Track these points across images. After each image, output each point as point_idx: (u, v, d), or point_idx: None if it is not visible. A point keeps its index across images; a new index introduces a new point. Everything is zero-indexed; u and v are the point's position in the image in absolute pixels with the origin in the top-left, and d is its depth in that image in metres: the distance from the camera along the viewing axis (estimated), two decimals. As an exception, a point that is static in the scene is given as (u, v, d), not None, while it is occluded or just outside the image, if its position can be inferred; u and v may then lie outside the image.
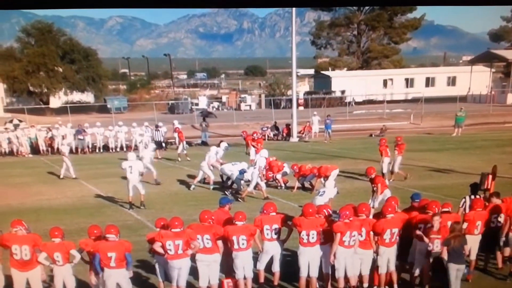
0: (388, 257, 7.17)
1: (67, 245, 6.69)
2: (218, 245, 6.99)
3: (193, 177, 15.15)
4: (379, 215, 7.43)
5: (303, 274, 7.13)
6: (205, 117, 28.59)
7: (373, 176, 10.77)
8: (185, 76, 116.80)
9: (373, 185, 10.73)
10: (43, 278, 6.88)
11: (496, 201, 7.96)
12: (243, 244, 6.97)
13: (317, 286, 7.26)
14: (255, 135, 20.57)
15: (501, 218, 7.87)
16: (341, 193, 12.06)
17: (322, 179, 12.81)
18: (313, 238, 7.01)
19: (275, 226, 7.27)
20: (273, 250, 7.33)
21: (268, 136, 26.34)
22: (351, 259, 7.06)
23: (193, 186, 14.66)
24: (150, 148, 16.19)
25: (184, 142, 20.55)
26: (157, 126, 22.80)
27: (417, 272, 7.34)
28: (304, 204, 7.59)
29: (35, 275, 6.72)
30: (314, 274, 7.14)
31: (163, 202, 13.28)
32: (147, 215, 11.96)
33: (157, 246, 6.66)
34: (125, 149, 23.46)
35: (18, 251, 6.59)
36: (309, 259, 7.09)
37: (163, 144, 23.01)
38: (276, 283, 7.50)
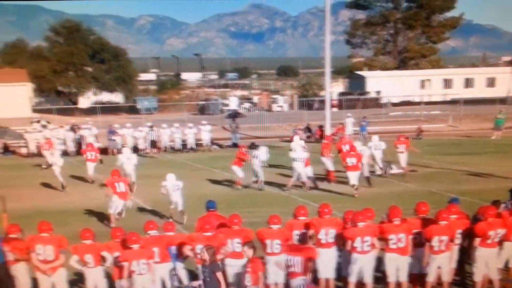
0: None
1: (98, 246, 6.66)
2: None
3: (223, 180, 14.85)
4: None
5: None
6: (234, 118, 28.09)
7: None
8: (216, 76, 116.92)
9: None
10: None
11: None
12: (276, 248, 6.68)
13: None
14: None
15: None
16: (364, 198, 11.90)
17: None
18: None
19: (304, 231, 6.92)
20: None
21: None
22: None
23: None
24: None
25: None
26: (151, 126, 23.70)
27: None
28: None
29: (60, 278, 6.72)
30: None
31: (193, 205, 12.42)
32: (180, 219, 11.53)
33: (187, 249, 6.53)
34: (155, 150, 23.40)
35: (42, 251, 6.59)
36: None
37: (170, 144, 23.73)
38: None
